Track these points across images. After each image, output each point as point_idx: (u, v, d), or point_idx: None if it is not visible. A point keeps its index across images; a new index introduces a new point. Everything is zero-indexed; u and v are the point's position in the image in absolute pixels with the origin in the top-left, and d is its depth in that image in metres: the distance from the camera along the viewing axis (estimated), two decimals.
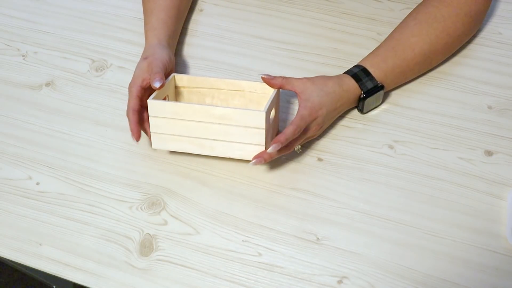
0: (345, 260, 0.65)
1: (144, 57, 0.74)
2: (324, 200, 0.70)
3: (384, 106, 0.78)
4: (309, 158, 0.73)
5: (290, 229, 0.68)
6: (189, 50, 0.86)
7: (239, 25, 0.89)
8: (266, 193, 0.71)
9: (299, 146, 0.71)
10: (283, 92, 0.78)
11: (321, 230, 0.67)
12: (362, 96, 0.73)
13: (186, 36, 0.88)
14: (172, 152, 0.75)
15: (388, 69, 0.74)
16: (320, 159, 0.73)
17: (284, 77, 0.70)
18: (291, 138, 0.66)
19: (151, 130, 0.69)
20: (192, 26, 0.90)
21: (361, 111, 0.76)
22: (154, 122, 0.68)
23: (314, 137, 0.74)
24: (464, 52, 0.83)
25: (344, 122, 0.76)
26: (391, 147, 0.74)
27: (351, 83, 0.72)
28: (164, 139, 0.69)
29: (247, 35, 0.87)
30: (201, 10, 0.92)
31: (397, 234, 0.67)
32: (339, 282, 0.64)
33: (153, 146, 0.70)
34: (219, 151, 0.69)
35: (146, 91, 0.73)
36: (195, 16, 0.91)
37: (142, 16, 0.90)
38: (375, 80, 0.73)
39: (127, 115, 0.71)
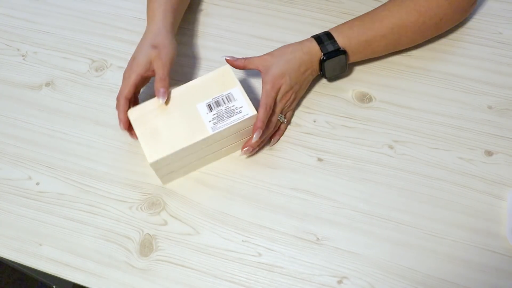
0: (345, 260, 0.65)
1: (152, 45, 0.70)
2: (324, 200, 0.70)
3: (384, 106, 0.78)
4: (309, 158, 0.73)
5: (290, 229, 0.68)
6: (189, 50, 0.86)
7: (239, 25, 0.89)
8: (266, 193, 0.71)
9: (283, 117, 0.72)
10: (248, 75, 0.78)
11: (321, 230, 0.67)
12: (322, 58, 0.74)
13: (186, 36, 0.88)
14: None
15: (353, 35, 0.74)
16: (320, 159, 0.73)
17: (246, 58, 0.73)
18: (266, 119, 0.68)
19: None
20: (192, 26, 0.89)
21: (324, 76, 0.77)
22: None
23: (294, 105, 0.75)
24: (464, 52, 0.83)
25: (344, 122, 0.76)
26: (391, 147, 0.74)
27: (312, 45, 0.73)
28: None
29: (247, 35, 0.87)
30: (201, 10, 0.91)
31: (397, 234, 0.67)
32: (339, 282, 0.64)
33: (149, 160, 0.66)
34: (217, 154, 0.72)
35: (145, 81, 0.72)
36: (195, 16, 0.91)
37: (142, 16, 0.90)
38: (337, 44, 0.74)
39: (118, 100, 0.69)
